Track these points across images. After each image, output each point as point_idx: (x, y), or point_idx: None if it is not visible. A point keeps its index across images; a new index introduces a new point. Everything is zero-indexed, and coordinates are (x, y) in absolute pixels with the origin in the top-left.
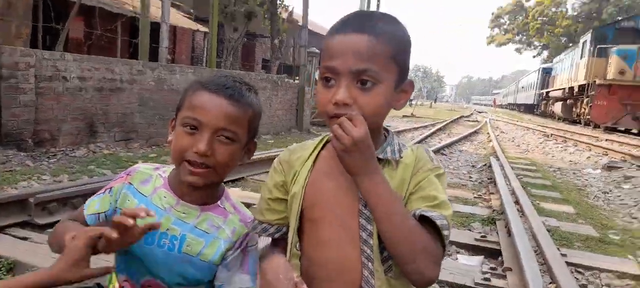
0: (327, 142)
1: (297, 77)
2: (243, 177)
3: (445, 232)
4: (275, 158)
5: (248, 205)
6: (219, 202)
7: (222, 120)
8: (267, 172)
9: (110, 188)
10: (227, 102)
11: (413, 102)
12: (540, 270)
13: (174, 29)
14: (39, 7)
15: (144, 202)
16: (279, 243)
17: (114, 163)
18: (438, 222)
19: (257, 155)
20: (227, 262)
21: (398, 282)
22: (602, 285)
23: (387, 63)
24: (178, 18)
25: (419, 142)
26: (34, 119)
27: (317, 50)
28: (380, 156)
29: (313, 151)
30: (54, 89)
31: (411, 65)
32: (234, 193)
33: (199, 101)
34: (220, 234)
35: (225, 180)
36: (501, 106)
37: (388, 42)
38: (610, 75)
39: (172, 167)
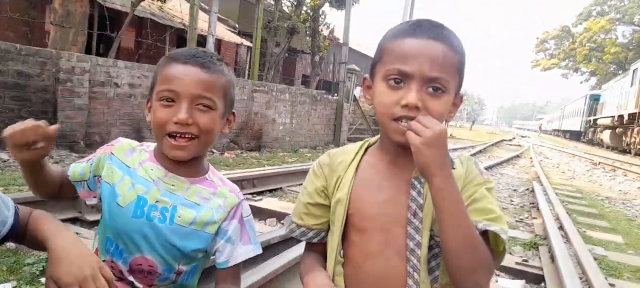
0: (368, 147)
1: (336, 94)
2: (281, 188)
3: (506, 247)
4: (315, 163)
5: (286, 215)
6: (206, 176)
7: (197, 87)
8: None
9: (92, 158)
10: (200, 70)
11: (450, 123)
12: None
13: (219, 42)
14: (94, 16)
15: (128, 174)
16: (313, 247)
17: None
18: (502, 237)
19: (295, 166)
20: (227, 236)
21: None
22: None
23: (454, 73)
24: (223, 31)
25: None
26: (86, 122)
27: (356, 68)
28: None
29: (355, 156)
30: (105, 94)
31: None
32: (271, 203)
33: (172, 72)
34: (211, 204)
35: (260, 190)
36: (545, 132)
37: (456, 53)
38: None
39: (154, 144)
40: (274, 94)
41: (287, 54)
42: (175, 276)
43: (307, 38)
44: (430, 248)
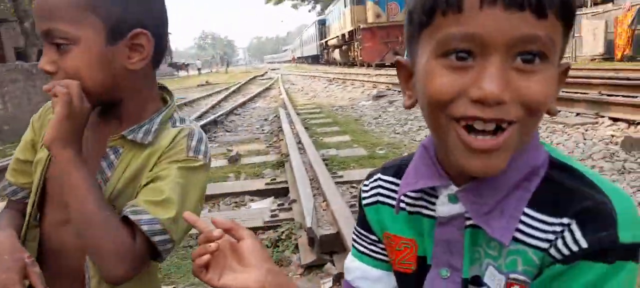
0: None
1: None
2: None
3: (155, 239)
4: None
5: None
6: None
7: None
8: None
9: None
10: None
11: (205, 70)
12: (315, 194)
13: None
14: None
15: None
16: (17, 205)
17: None
18: (144, 228)
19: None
20: None
21: None
22: None
23: (79, 17)
24: None
25: (213, 107)
26: None
27: None
28: (129, 137)
29: None
30: None
31: (197, 33)
32: None
33: None
34: None
35: None
36: (293, 60)
37: None
38: (369, 19)
39: None
40: None
41: None
42: None
43: (7, 3)
44: None
